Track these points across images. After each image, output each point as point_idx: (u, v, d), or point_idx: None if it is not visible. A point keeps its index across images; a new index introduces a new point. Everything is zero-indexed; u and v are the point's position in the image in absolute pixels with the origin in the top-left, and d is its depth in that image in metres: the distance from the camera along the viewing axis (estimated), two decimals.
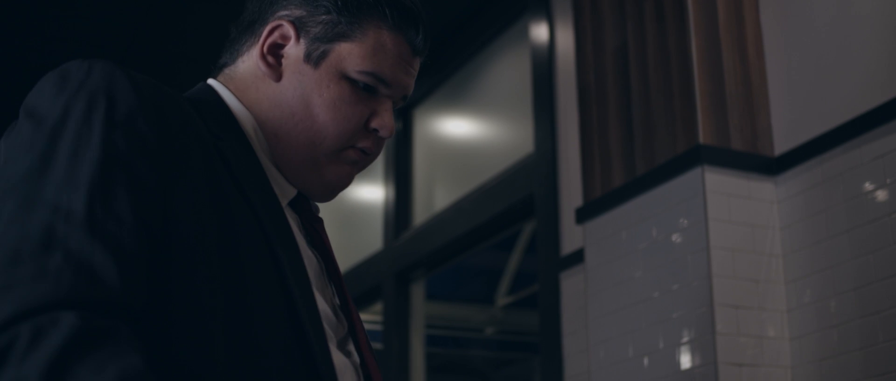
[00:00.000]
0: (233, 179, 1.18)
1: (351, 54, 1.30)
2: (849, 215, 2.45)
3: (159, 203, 1.09)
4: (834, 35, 2.58)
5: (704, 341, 2.51)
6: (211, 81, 1.36)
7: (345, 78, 1.30)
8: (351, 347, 1.27)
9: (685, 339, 2.56)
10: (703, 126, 2.65)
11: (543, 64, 3.67)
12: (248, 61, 1.34)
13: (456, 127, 4.56)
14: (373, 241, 4.77)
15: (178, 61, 4.55)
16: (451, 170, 4.48)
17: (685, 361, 2.55)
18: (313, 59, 1.30)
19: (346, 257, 5.01)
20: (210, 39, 4.33)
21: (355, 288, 4.83)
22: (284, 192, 1.31)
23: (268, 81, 1.31)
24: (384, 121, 1.32)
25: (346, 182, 1.35)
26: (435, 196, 4.50)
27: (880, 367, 2.32)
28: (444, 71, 4.46)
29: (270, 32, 1.32)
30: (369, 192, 4.96)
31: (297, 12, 1.32)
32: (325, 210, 1.44)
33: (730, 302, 2.53)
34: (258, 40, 1.33)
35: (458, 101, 4.48)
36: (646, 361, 2.67)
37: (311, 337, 1.15)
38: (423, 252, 4.32)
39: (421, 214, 4.54)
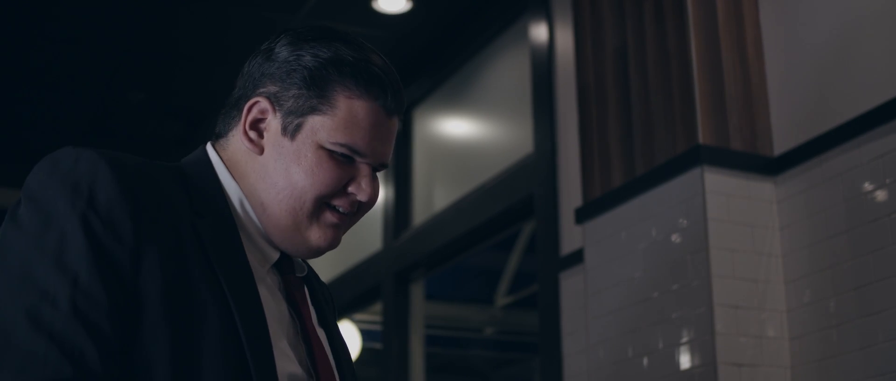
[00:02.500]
0: (205, 255, 1.30)
1: (324, 127, 1.39)
2: (848, 215, 2.45)
3: (131, 286, 1.23)
4: (834, 35, 2.58)
5: (704, 341, 2.51)
6: (209, 150, 1.47)
7: (321, 148, 1.40)
8: None
9: (685, 339, 2.56)
10: (703, 126, 2.65)
11: (543, 64, 3.67)
12: (237, 136, 1.45)
13: (455, 127, 4.56)
14: (372, 241, 4.77)
15: (176, 61, 4.54)
16: (450, 170, 4.48)
17: (685, 361, 2.55)
18: (289, 131, 1.41)
19: (346, 257, 5.01)
20: (207, 39, 4.33)
21: (355, 288, 4.83)
22: (267, 257, 1.43)
23: (253, 155, 1.42)
24: (361, 186, 1.41)
25: (331, 244, 1.44)
26: (434, 196, 4.50)
27: (880, 367, 2.32)
28: (443, 71, 4.46)
29: (249, 109, 1.43)
30: None
31: (273, 88, 1.42)
32: None
33: (729, 302, 2.53)
34: (242, 116, 1.44)
35: (457, 101, 4.48)
36: (645, 361, 2.67)
37: None
38: (422, 252, 4.32)
39: (420, 214, 4.54)
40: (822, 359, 2.47)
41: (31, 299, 1.18)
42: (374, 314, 5.17)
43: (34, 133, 5.15)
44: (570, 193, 3.39)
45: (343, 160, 1.40)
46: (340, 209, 1.42)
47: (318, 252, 1.43)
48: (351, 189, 1.41)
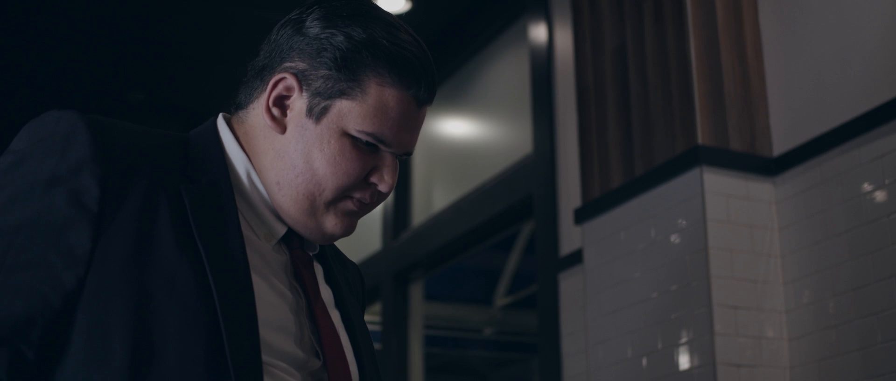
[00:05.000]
0: (184, 220, 1.24)
1: (351, 113, 1.32)
2: (847, 215, 2.45)
3: (81, 252, 1.18)
4: (833, 35, 2.58)
5: (703, 341, 2.51)
6: (219, 121, 1.40)
7: (346, 135, 1.33)
8: None
9: (684, 339, 2.57)
10: (702, 127, 2.65)
11: (542, 64, 3.67)
12: (257, 110, 1.37)
13: (455, 127, 4.56)
14: (371, 241, 4.77)
15: (176, 61, 4.54)
16: (449, 170, 4.48)
17: (684, 361, 2.55)
18: (315, 113, 1.33)
19: None
20: (207, 39, 4.33)
21: None
22: (273, 231, 1.36)
23: (273, 133, 1.35)
24: (384, 177, 1.35)
25: (346, 232, 1.38)
26: (434, 197, 4.50)
27: (879, 367, 2.32)
28: (442, 71, 4.46)
29: (275, 84, 1.35)
30: None
31: (301, 65, 1.35)
32: None
33: (728, 303, 2.53)
34: (266, 90, 1.36)
35: (456, 101, 4.48)
36: (644, 361, 2.67)
37: (232, 371, 1.19)
38: (421, 253, 4.32)
39: (420, 214, 4.54)
40: (821, 359, 2.47)
41: None
42: (373, 315, 5.17)
43: None
44: (570, 193, 3.39)
45: (367, 149, 1.33)
46: (360, 199, 1.36)
47: (332, 239, 1.38)
48: (373, 179, 1.35)
